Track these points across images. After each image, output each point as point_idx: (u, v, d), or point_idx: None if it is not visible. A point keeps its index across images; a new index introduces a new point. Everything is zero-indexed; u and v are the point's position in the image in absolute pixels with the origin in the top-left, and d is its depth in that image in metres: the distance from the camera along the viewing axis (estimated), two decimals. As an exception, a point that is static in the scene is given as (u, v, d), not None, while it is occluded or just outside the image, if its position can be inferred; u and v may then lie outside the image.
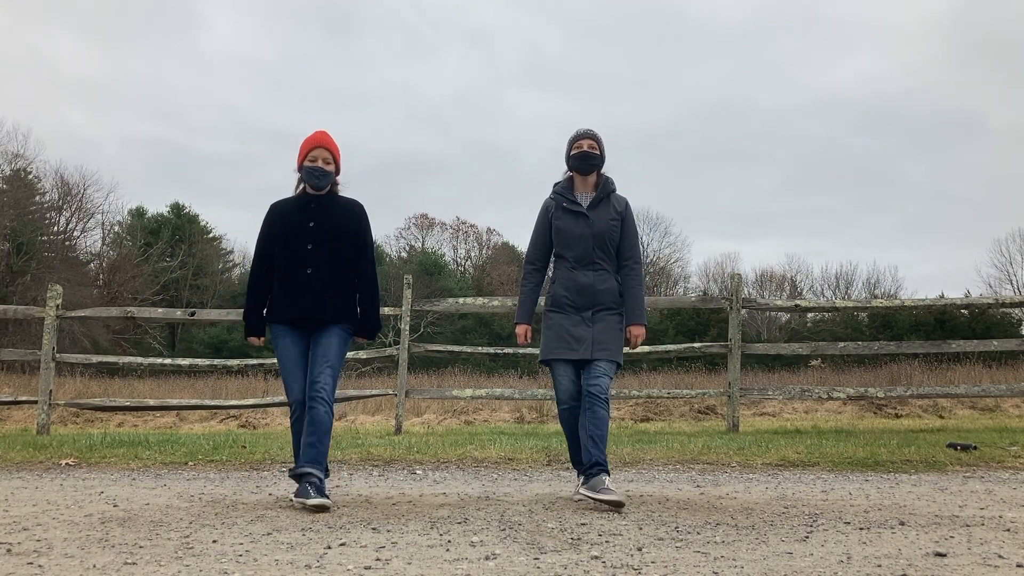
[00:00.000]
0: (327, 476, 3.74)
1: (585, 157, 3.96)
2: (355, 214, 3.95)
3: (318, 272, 3.79)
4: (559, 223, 3.96)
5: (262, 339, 3.95)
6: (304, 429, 3.70)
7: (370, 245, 4.01)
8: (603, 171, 4.03)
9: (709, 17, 60.55)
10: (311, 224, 3.83)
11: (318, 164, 3.86)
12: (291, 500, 3.66)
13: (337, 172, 3.97)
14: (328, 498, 3.55)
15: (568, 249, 3.93)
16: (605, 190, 3.98)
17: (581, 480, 3.73)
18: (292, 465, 3.74)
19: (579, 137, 4.00)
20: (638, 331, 3.93)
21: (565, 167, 4.07)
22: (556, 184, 4.07)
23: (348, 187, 4.05)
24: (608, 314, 3.89)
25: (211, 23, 61.48)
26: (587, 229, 3.90)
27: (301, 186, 3.95)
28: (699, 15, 61.04)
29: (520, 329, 3.98)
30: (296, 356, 3.81)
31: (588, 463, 3.66)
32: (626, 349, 3.99)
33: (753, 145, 59.71)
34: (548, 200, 4.06)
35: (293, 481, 3.78)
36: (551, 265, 4.10)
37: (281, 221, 3.90)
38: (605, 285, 3.89)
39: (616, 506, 3.51)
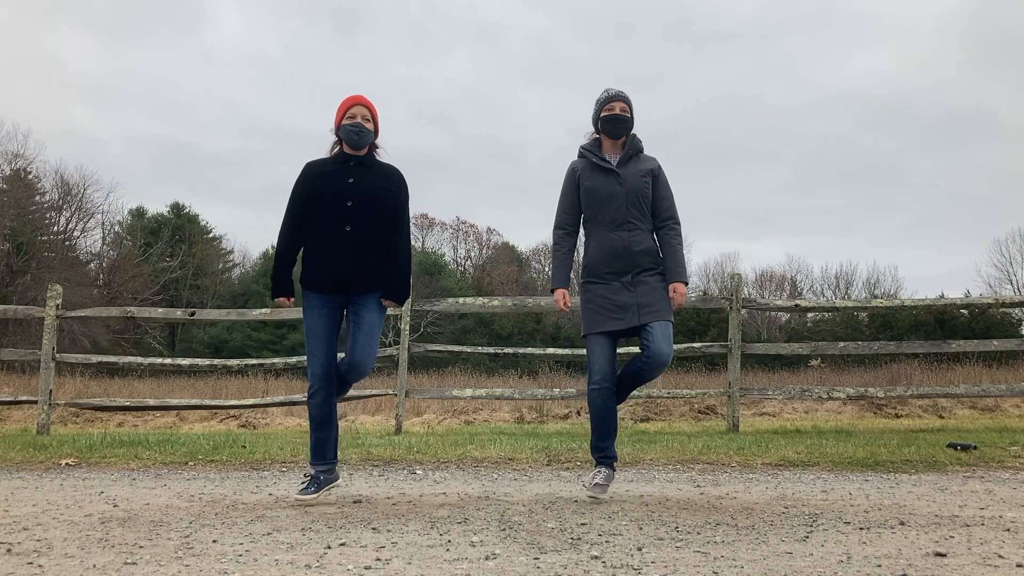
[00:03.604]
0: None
1: (617, 120, 3.80)
2: (396, 179, 3.80)
3: (357, 230, 3.61)
4: (588, 183, 3.79)
5: (291, 299, 3.76)
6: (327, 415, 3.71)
7: (407, 213, 3.85)
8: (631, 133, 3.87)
9: (719, 13, 60.64)
10: (351, 180, 3.67)
11: (357, 120, 3.69)
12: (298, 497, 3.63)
13: (376, 134, 3.80)
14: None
15: (600, 210, 3.76)
16: (634, 147, 3.83)
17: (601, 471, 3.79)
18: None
19: (611, 99, 3.83)
20: (682, 289, 3.73)
21: (592, 129, 3.90)
22: (582, 146, 3.91)
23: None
24: (649, 275, 3.71)
25: (217, 20, 61.64)
26: (618, 187, 3.73)
27: (337, 148, 3.78)
28: (709, 11, 61.17)
29: (558, 294, 3.84)
30: (325, 331, 3.65)
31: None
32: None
33: (761, 143, 59.88)
34: (575, 161, 3.90)
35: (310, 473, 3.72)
36: (582, 232, 3.92)
37: (318, 180, 3.71)
38: (642, 246, 3.72)
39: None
